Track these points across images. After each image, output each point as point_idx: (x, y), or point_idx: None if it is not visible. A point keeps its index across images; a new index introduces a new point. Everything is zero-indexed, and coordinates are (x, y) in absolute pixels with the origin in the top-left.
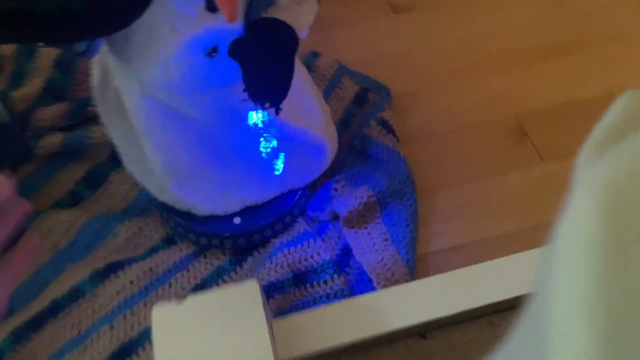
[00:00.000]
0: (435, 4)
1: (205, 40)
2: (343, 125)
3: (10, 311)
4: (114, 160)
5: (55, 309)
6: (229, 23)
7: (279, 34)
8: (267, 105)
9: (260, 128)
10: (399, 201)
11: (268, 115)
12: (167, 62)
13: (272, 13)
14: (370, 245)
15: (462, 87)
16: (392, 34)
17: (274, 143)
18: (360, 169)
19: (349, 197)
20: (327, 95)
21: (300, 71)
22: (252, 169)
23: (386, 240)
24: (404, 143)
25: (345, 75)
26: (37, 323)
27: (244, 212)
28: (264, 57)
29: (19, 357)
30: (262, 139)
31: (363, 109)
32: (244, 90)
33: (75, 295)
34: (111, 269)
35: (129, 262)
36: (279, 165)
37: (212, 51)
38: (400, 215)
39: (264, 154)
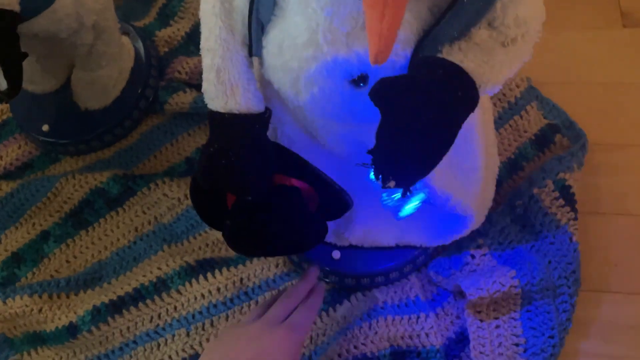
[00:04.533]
0: None
1: (351, 66)
2: (510, 168)
3: (98, 279)
4: None
5: (138, 297)
6: (372, 63)
7: (452, 87)
8: (392, 184)
9: None
10: (550, 302)
11: None
12: (296, 75)
13: (459, 51)
14: (495, 346)
15: None
16: (614, 56)
17: (398, 195)
18: (513, 240)
19: (485, 276)
20: (501, 121)
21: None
22: (370, 205)
23: (517, 345)
24: (582, 218)
25: (533, 101)
26: (118, 306)
27: (347, 249)
28: (417, 115)
29: (92, 337)
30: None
31: (544, 155)
32: (370, 151)
33: (161, 287)
34: (202, 268)
35: (221, 264)
36: (406, 210)
37: (360, 80)
38: (545, 320)
39: (386, 202)
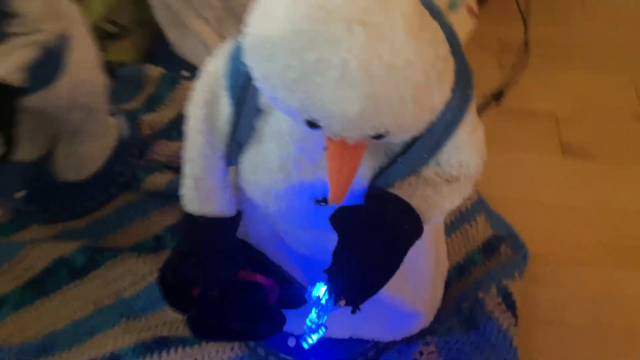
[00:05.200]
0: (618, 156)
1: (316, 189)
2: (459, 271)
3: (50, 349)
4: None
5: None
6: (330, 203)
7: (400, 221)
8: (342, 302)
9: None
10: None
11: None
12: (267, 191)
13: (409, 186)
14: None
15: (618, 273)
16: (553, 180)
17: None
18: (458, 340)
19: None
20: (453, 227)
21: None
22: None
23: None
24: (523, 325)
25: (481, 212)
26: None
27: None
28: (369, 243)
29: None
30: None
31: (490, 262)
32: (325, 271)
33: None
34: (157, 346)
35: (177, 343)
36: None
37: (323, 200)
38: None
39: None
